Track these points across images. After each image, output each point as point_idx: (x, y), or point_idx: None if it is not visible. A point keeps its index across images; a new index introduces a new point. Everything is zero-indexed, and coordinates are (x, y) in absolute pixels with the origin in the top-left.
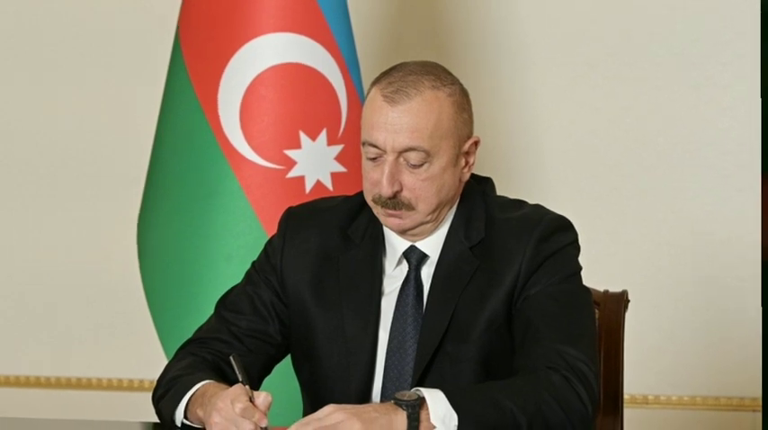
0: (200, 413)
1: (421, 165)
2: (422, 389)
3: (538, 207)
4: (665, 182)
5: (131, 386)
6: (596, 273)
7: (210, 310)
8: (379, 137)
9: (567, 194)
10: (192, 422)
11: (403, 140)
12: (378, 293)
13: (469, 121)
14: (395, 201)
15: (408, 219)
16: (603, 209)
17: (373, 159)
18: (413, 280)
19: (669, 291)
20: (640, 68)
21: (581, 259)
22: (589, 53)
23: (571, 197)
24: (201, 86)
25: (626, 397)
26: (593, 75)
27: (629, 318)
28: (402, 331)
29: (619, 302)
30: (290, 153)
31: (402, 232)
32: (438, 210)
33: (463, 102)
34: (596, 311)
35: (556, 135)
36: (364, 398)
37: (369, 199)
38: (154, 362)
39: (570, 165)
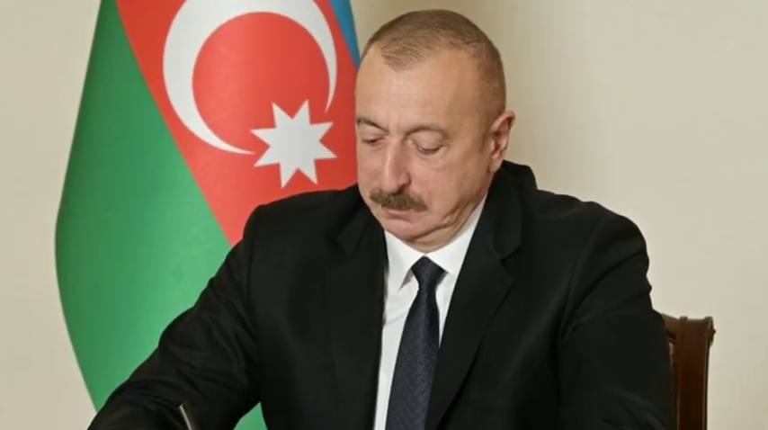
0: None
1: (435, 149)
2: None
3: (593, 206)
4: (758, 171)
5: None
6: (670, 295)
7: (153, 344)
8: (380, 112)
9: (629, 189)
10: None
11: (411, 116)
12: (378, 321)
13: (500, 92)
14: (400, 198)
15: (419, 222)
16: (678, 208)
17: (372, 142)
18: (425, 303)
19: (766, 318)
20: (725, 22)
21: (649, 275)
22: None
23: (635, 192)
24: (142, 44)
25: None
26: (663, 29)
27: (715, 353)
28: (410, 372)
29: (701, 333)
30: (261, 133)
31: (411, 239)
32: (458, 209)
33: (492, 65)
34: (671, 345)
35: (614, 110)
36: None
37: (366, 195)
38: (78, 413)
39: (633, 149)
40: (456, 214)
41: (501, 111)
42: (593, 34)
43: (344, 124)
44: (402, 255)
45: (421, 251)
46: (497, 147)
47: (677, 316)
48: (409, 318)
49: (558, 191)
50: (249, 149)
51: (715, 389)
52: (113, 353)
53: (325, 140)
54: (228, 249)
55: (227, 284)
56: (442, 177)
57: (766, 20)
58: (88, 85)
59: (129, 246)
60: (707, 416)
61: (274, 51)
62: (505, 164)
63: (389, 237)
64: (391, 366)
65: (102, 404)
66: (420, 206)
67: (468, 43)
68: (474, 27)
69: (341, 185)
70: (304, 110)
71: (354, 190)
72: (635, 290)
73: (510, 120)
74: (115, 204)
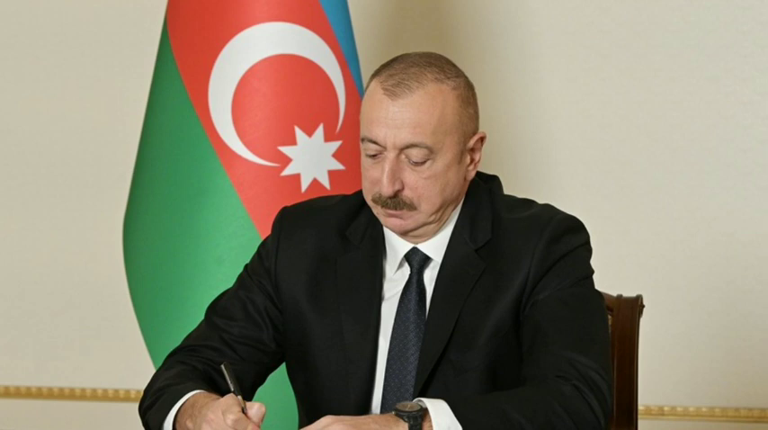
0: (189, 425)
1: (423, 162)
2: (424, 400)
3: (547, 207)
4: (681, 179)
5: (117, 396)
6: (609, 277)
7: (200, 316)
8: (379, 132)
9: (577, 193)
10: None
11: (404, 136)
12: (378, 298)
13: (475, 116)
14: (396, 201)
15: (410, 220)
16: (616, 208)
17: (373, 156)
18: (415, 284)
19: (686, 296)
20: (655, 60)
21: (593, 262)
22: (601, 44)
23: (581, 196)
24: (191, 79)
25: (641, 408)
26: (606, 67)
27: (644, 324)
28: (403, 338)
29: (633, 308)
30: (285, 149)
31: (403, 233)
32: (441, 209)
33: (468, 95)
34: (609, 317)
35: (565, 131)
36: (364, 408)
37: (368, 198)
38: (141, 371)
39: (580, 162)
40: (440, 213)
41: (475, 131)
42: (548, 71)
43: (351, 142)
44: (397, 246)
45: (412, 242)
46: (472, 160)
47: (614, 294)
48: (403, 296)
49: (520, 195)
50: (276, 162)
51: (644, 352)
52: (168, 323)
53: (336, 155)
54: (260, 241)
55: (259, 269)
56: (428, 184)
57: (687, 58)
58: (149, 111)
59: (181, 238)
60: (637, 373)
61: (296, 85)
62: (479, 173)
63: (387, 231)
64: (388, 334)
65: (159, 363)
66: (411, 207)
67: (449, 78)
68: (454, 65)
69: (349, 191)
70: (319, 131)
71: (359, 194)
72: (581, 273)
73: (482, 139)
74: (170, 205)
